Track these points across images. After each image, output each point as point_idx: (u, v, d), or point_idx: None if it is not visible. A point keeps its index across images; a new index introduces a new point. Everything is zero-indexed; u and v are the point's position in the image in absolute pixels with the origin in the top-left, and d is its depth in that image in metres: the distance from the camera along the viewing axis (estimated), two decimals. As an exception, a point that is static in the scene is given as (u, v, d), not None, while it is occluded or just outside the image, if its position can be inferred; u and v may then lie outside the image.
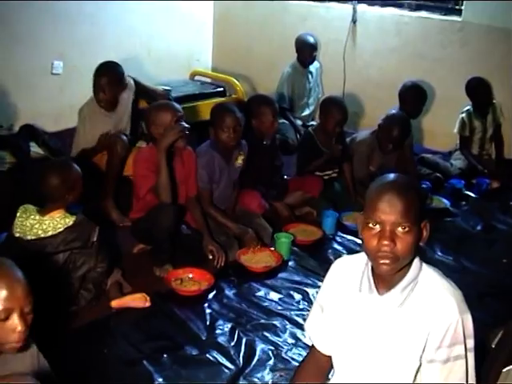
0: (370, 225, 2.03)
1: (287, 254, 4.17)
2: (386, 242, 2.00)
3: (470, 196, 5.34)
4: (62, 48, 6.17)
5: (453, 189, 5.36)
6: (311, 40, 6.40)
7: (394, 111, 5.10)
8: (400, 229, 2.00)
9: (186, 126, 3.91)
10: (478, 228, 4.86)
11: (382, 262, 2.02)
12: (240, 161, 4.39)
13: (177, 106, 4.08)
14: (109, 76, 4.62)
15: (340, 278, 2.25)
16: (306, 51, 6.37)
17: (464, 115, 5.79)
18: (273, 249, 4.18)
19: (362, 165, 4.96)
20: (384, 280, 2.11)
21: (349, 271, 2.21)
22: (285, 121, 6.22)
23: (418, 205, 2.02)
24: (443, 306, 2.03)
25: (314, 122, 6.55)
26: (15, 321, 1.97)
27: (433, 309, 2.04)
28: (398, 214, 1.99)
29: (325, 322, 2.30)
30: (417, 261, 2.10)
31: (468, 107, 5.80)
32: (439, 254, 4.41)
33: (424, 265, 2.13)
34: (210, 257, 4.00)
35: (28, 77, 5.95)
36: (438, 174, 5.54)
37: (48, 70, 6.15)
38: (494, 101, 5.83)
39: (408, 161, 5.19)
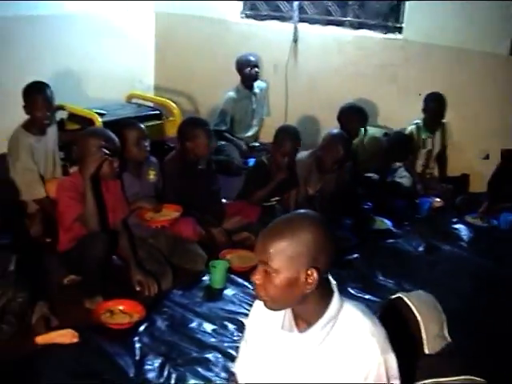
0: None
1: (222, 281, 4.05)
2: (252, 277, 2.01)
3: (412, 216, 5.28)
4: (-3, 71, 5.99)
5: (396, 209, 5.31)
6: (252, 58, 6.35)
7: (334, 131, 5.00)
8: (268, 269, 1.96)
9: (108, 152, 3.76)
10: (421, 249, 4.80)
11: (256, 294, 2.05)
12: (152, 176, 4.29)
13: (105, 132, 3.92)
14: (46, 93, 4.52)
15: (263, 315, 2.18)
16: (248, 70, 6.32)
17: (413, 127, 5.74)
18: None
19: (300, 187, 4.84)
20: (302, 318, 2.05)
21: None
22: (227, 142, 6.15)
23: (297, 250, 1.93)
24: (364, 346, 1.97)
25: (256, 144, 6.51)
26: None
27: (354, 349, 1.98)
28: (266, 255, 1.96)
29: (250, 360, 2.24)
30: (336, 298, 2.03)
31: (418, 121, 5.76)
32: (380, 277, 4.33)
33: (346, 302, 2.07)
34: (138, 288, 3.86)
35: (-42, 101, 5.76)
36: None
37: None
38: (445, 120, 5.82)
39: (347, 182, 5.08)
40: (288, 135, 4.72)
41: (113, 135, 3.88)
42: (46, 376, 3.13)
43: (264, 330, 2.18)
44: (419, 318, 2.76)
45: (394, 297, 2.83)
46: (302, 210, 2.13)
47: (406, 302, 2.77)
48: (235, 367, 2.38)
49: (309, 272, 1.94)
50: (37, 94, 4.49)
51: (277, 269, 1.95)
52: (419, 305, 2.81)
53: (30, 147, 4.49)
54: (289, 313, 2.09)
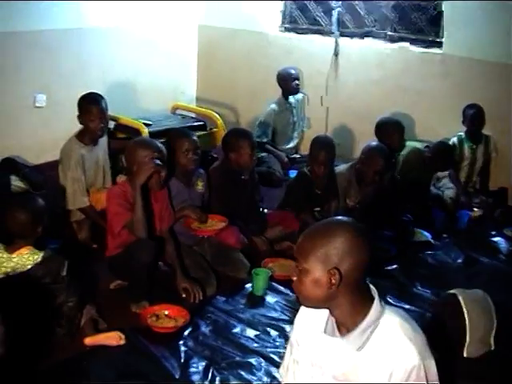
0: None
1: (264, 289, 4.15)
2: (290, 274, 2.19)
3: (451, 228, 5.32)
4: (46, 81, 6.17)
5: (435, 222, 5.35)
6: (292, 71, 6.45)
7: (373, 143, 5.08)
8: (300, 267, 2.09)
9: (159, 163, 3.88)
10: (459, 261, 4.84)
11: None
12: (200, 186, 4.43)
13: (155, 143, 4.03)
14: (101, 104, 4.65)
15: (308, 319, 2.26)
16: (290, 83, 6.41)
17: (455, 139, 5.83)
18: None
19: (339, 199, 4.91)
20: (342, 322, 2.13)
21: (316, 311, 2.21)
22: (268, 154, 6.25)
23: (324, 251, 2.04)
24: (403, 351, 2.02)
25: (297, 155, 6.59)
26: None
27: (393, 354, 2.03)
28: (299, 255, 2.10)
29: (294, 365, 2.31)
30: (376, 304, 2.10)
31: (460, 133, 5.84)
32: (419, 288, 4.38)
33: (387, 308, 2.13)
34: (184, 295, 3.96)
35: (11, 110, 5.94)
36: None
37: (31, 103, 6.13)
38: (488, 133, 5.88)
39: (387, 194, 5.10)
40: (321, 145, 4.83)
41: (161, 145, 4.00)
42: (94, 376, 3.24)
43: (308, 334, 2.26)
44: (467, 319, 2.80)
45: (451, 291, 2.84)
46: (341, 217, 2.23)
47: (459, 301, 2.79)
48: (280, 370, 2.46)
49: (331, 272, 2.03)
50: (92, 105, 4.61)
51: (306, 267, 2.07)
52: (472, 306, 2.83)
53: (80, 157, 4.61)
54: (331, 318, 2.16)
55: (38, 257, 3.35)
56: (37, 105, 6.15)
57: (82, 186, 4.63)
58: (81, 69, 6.37)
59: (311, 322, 2.24)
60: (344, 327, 2.12)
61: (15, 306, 2.64)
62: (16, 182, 5.06)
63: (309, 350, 2.24)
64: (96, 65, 6.53)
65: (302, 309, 2.31)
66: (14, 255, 3.33)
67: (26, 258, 3.32)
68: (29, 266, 3.31)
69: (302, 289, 2.11)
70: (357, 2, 6.73)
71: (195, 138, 4.38)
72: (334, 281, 2.03)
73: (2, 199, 4.47)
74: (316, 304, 2.14)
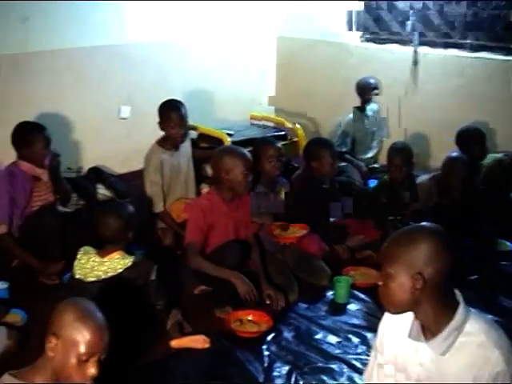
0: None
1: (346, 297, 4.17)
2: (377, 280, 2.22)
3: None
4: (129, 93, 6.36)
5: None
6: (372, 81, 6.49)
7: (454, 154, 5.05)
8: (385, 273, 2.12)
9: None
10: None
11: None
12: (283, 195, 4.54)
13: (243, 151, 4.12)
14: (181, 111, 4.77)
15: (392, 324, 2.30)
16: (369, 92, 6.46)
17: None
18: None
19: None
20: (427, 327, 2.16)
21: (400, 316, 2.24)
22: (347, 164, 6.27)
23: (409, 256, 2.07)
24: (488, 357, 2.03)
25: (376, 165, 6.58)
26: (93, 365, 2.02)
27: (478, 360, 2.04)
28: (384, 260, 2.14)
29: (378, 369, 2.34)
30: (462, 309, 2.11)
31: None
32: (502, 299, 4.29)
33: (472, 313, 2.14)
34: (268, 302, 4.01)
35: (97, 121, 6.14)
36: None
37: (116, 115, 6.34)
38: None
39: (470, 204, 5.06)
40: (397, 150, 4.89)
41: (248, 153, 4.12)
42: (180, 376, 3.35)
43: (392, 338, 2.30)
44: None
45: None
46: (425, 223, 2.25)
47: None
48: (364, 376, 2.50)
49: (415, 277, 2.07)
50: (171, 112, 4.75)
51: (390, 272, 2.11)
52: None
53: (160, 163, 4.74)
54: (416, 322, 2.19)
55: (129, 261, 3.48)
56: (121, 116, 6.35)
57: (159, 189, 4.75)
58: (163, 81, 6.53)
59: (396, 327, 2.28)
60: (429, 331, 2.15)
61: (113, 307, 2.75)
62: (102, 191, 5.26)
63: (393, 354, 2.28)
64: (177, 77, 6.68)
65: (386, 315, 2.34)
66: (105, 259, 3.47)
67: (117, 262, 3.45)
68: (120, 270, 3.44)
69: (386, 294, 2.14)
70: (433, 12, 6.70)
71: (279, 145, 4.46)
72: (417, 285, 2.07)
73: (93, 207, 4.66)
74: (400, 309, 2.17)
